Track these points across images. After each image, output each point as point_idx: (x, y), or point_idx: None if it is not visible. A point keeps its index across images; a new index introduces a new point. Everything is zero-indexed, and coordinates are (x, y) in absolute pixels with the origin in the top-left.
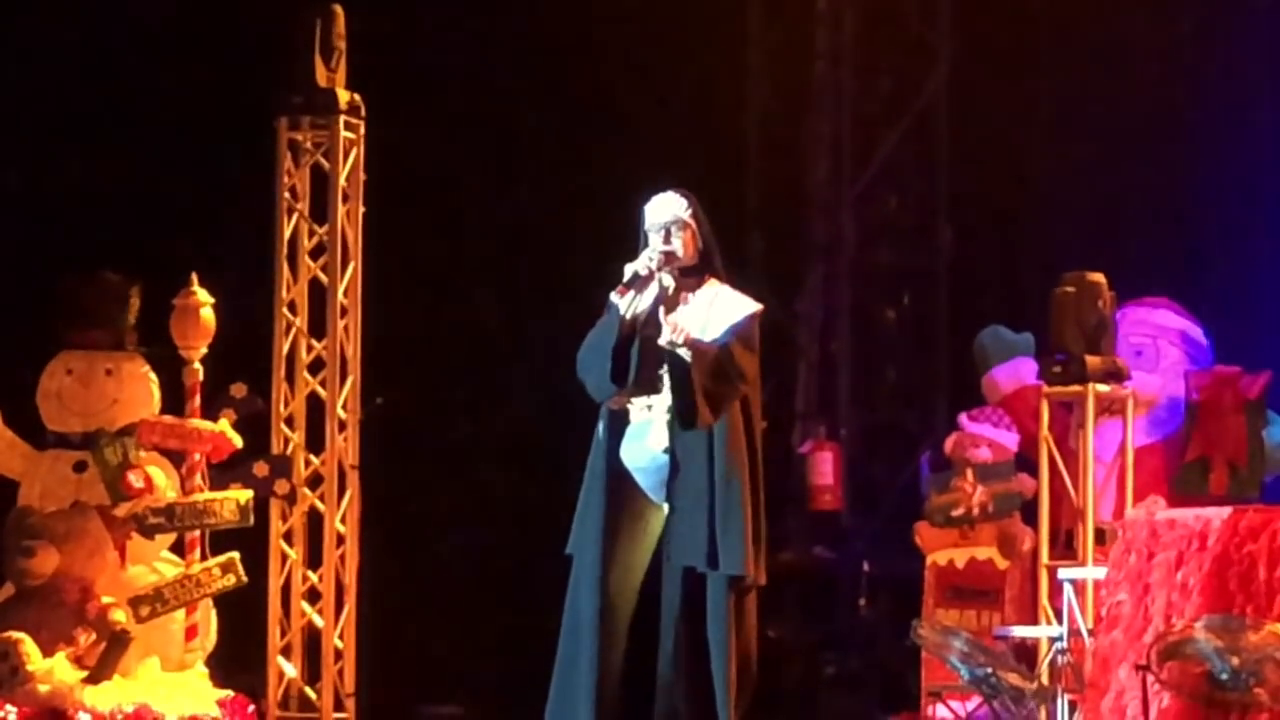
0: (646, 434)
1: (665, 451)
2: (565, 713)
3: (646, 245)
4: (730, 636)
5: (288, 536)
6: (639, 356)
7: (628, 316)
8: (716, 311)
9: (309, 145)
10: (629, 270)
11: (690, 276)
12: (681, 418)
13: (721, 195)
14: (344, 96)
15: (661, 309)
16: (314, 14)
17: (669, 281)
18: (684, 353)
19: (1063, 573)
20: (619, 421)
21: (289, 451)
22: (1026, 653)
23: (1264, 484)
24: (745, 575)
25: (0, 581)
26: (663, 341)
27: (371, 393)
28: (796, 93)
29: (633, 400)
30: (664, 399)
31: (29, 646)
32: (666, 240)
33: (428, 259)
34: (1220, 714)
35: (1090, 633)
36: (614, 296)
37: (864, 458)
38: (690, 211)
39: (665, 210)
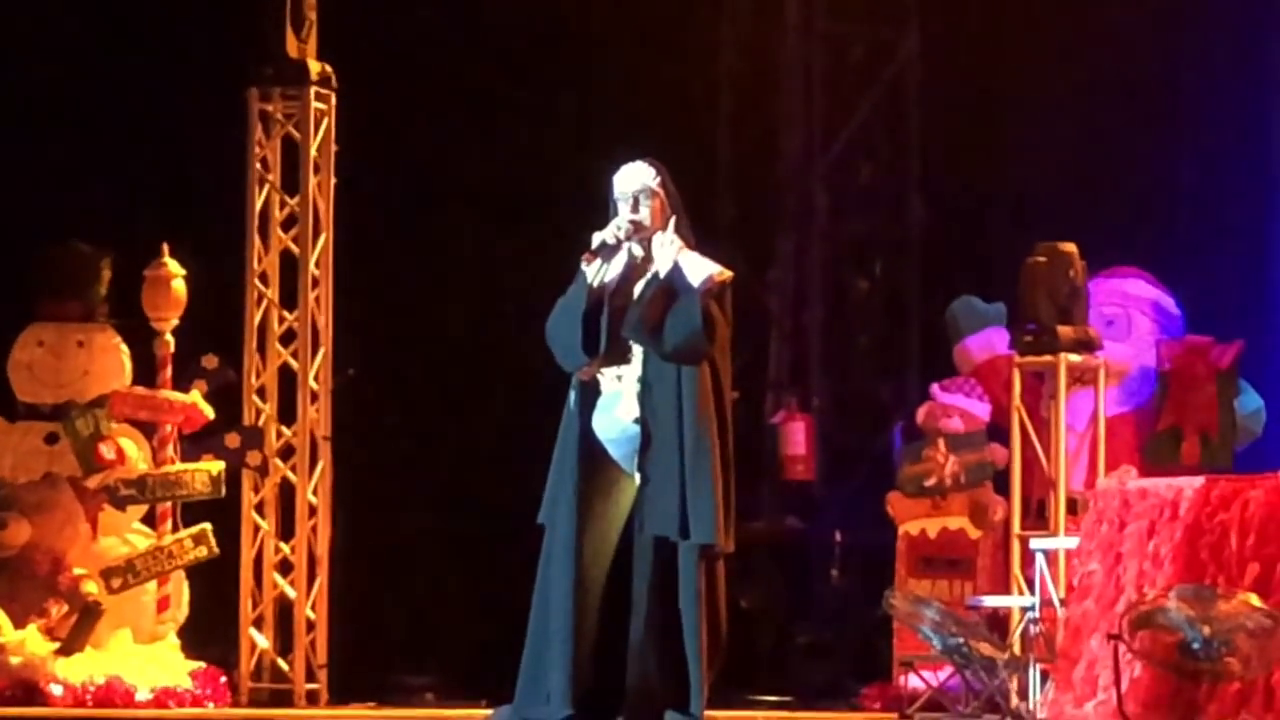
0: (617, 405)
1: (636, 422)
2: (538, 682)
3: (616, 214)
4: (701, 605)
5: (260, 508)
6: (608, 327)
7: (595, 285)
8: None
9: (280, 116)
10: (597, 239)
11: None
12: (629, 315)
13: (693, 165)
14: (315, 67)
15: (636, 279)
16: None
17: (638, 251)
18: (663, 270)
19: (1034, 542)
20: (590, 393)
21: (261, 423)
22: (998, 622)
23: (1235, 454)
24: (715, 543)
25: None
26: (656, 253)
27: (343, 364)
28: (768, 62)
29: (603, 371)
30: (634, 369)
31: (0, 618)
32: (634, 210)
33: (399, 230)
34: (1192, 683)
35: (1062, 602)
36: (583, 264)
37: (836, 428)
38: (659, 181)
39: (633, 180)
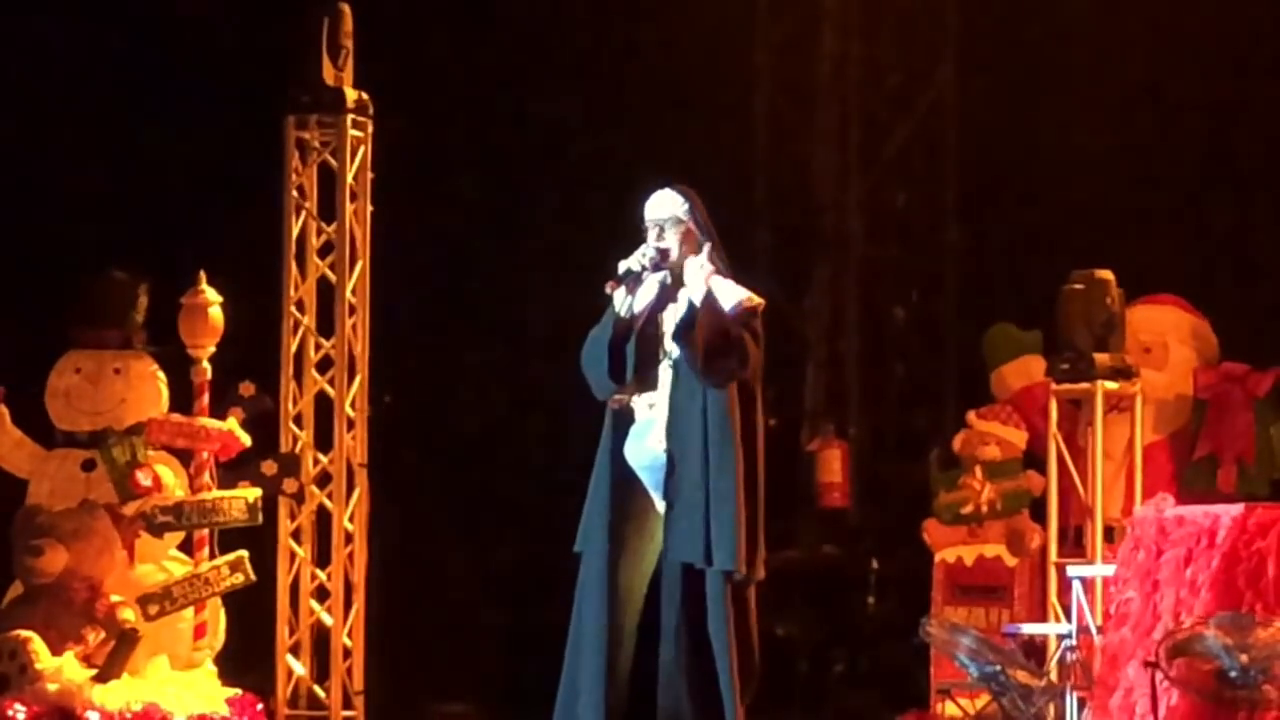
0: (648, 433)
1: (665, 451)
2: (572, 710)
3: (646, 241)
4: (729, 631)
5: (296, 535)
6: (640, 355)
7: (623, 314)
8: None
9: (317, 144)
10: (622, 266)
11: None
12: (680, 334)
13: (729, 192)
14: (351, 95)
15: (666, 307)
16: (321, 13)
17: (669, 280)
18: (697, 296)
19: (1071, 570)
20: (623, 421)
21: (297, 450)
22: (1035, 650)
23: (1273, 481)
24: (735, 570)
25: (9, 580)
26: (688, 278)
27: (379, 391)
28: (804, 89)
29: (636, 399)
30: (666, 397)
31: (37, 645)
32: (660, 238)
33: (435, 257)
34: (1229, 711)
35: (1099, 630)
36: (607, 289)
37: (872, 455)
38: (687, 209)
39: (661, 208)
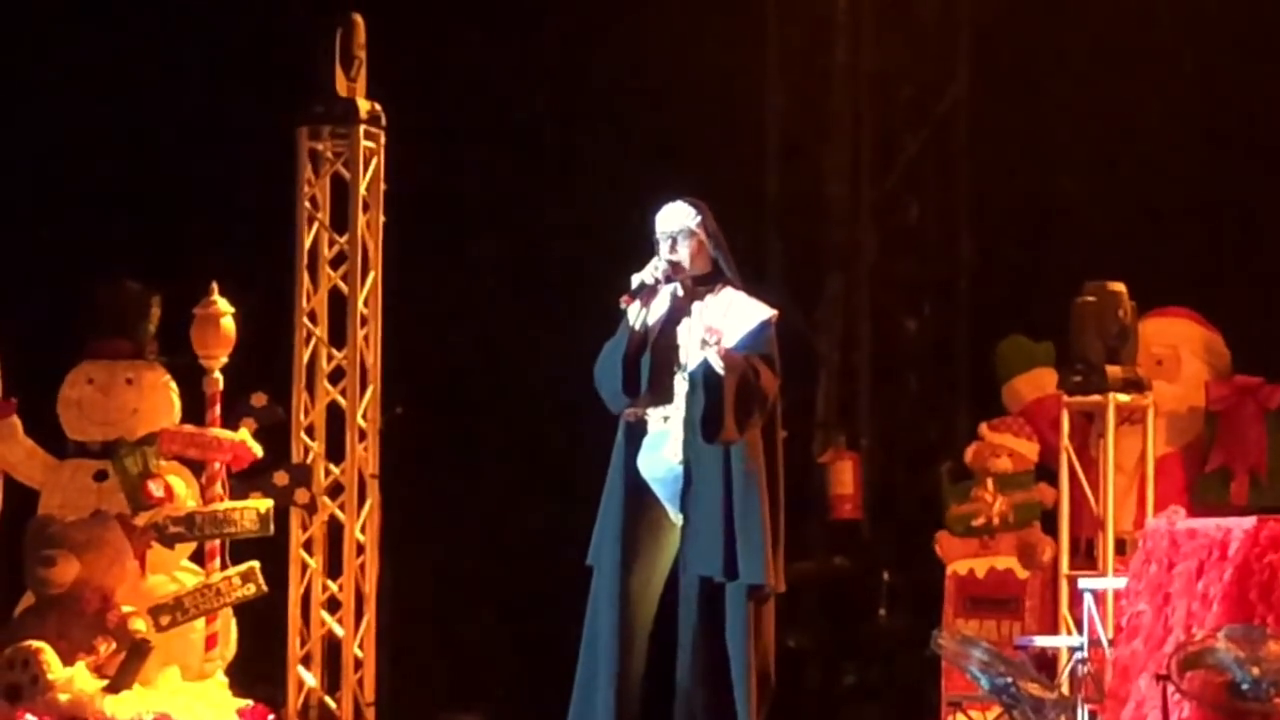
0: (663, 445)
1: (681, 463)
2: None
3: (657, 254)
4: (749, 645)
5: (308, 545)
6: (653, 367)
7: (636, 327)
8: (731, 319)
9: (329, 155)
10: (635, 280)
11: (704, 285)
12: (705, 429)
13: (741, 204)
14: (364, 106)
15: (679, 319)
16: (334, 24)
17: (680, 291)
18: (716, 362)
19: (1083, 582)
20: (637, 433)
21: (309, 461)
22: (1047, 662)
23: None
24: (765, 584)
25: (21, 590)
26: (697, 344)
27: (391, 402)
28: (815, 101)
29: (649, 411)
30: (680, 409)
31: (49, 655)
32: (673, 250)
33: (446, 268)
34: None
35: (1110, 642)
36: (622, 304)
37: (884, 467)
38: (699, 221)
39: (673, 220)
